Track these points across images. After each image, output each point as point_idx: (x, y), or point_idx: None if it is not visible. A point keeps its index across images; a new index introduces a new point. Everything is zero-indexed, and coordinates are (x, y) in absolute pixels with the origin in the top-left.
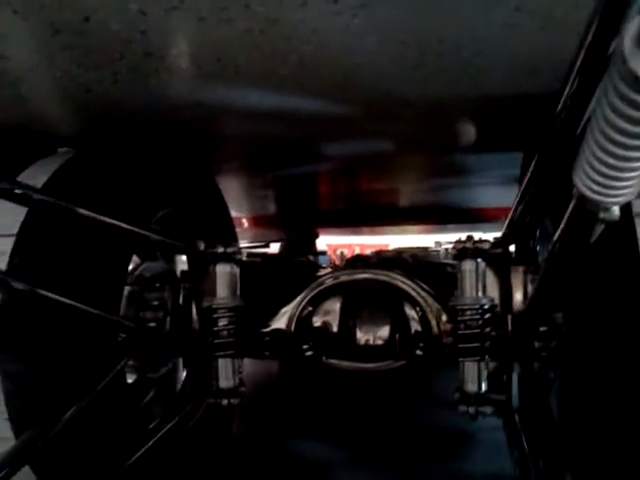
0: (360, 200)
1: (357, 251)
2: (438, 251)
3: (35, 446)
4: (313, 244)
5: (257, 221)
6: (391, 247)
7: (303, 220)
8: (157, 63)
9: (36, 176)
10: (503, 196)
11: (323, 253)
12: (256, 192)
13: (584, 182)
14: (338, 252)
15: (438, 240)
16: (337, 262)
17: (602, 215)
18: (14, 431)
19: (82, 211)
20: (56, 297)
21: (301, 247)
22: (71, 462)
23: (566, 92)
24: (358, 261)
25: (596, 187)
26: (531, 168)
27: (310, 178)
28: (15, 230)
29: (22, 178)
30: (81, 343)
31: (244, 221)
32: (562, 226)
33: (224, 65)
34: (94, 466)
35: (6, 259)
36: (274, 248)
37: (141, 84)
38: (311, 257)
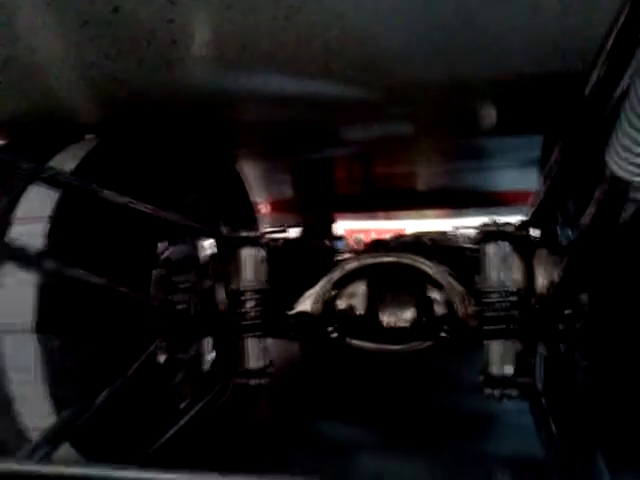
0: (377, 184)
1: (373, 236)
2: (457, 235)
3: (75, 423)
4: (330, 229)
5: (275, 206)
6: (408, 232)
7: (320, 205)
8: (182, 51)
9: (66, 162)
10: (521, 179)
11: (340, 238)
12: (274, 177)
13: (616, 162)
14: (354, 237)
15: (456, 224)
16: (355, 246)
17: (633, 195)
18: (55, 408)
19: (112, 195)
20: (91, 278)
21: (318, 232)
22: (108, 439)
23: (595, 74)
24: (379, 245)
25: (629, 167)
26: (556, 151)
27: (327, 162)
28: (49, 213)
29: (53, 163)
30: (116, 324)
31: (262, 206)
32: (592, 208)
33: (249, 52)
34: (129, 443)
35: (41, 241)
36: (292, 233)
37: (166, 72)
38: (328, 242)
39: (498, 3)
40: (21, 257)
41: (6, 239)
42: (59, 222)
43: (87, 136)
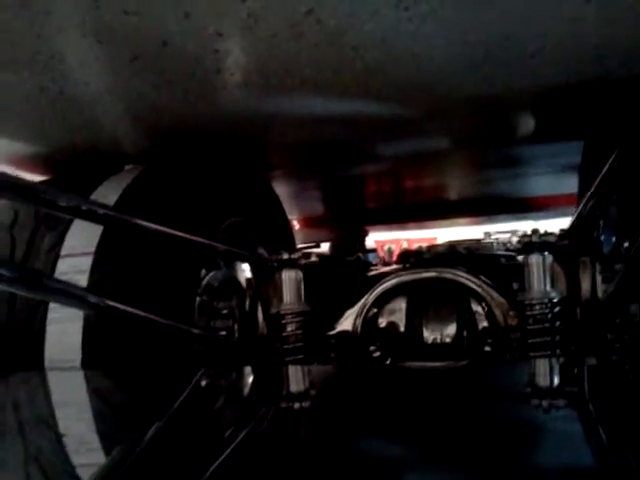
0: (408, 196)
1: (404, 246)
2: (491, 242)
3: (126, 461)
4: (363, 242)
5: (307, 222)
6: (439, 240)
7: (352, 219)
8: (227, 79)
9: (108, 194)
10: (555, 184)
11: (373, 250)
12: (306, 194)
13: None
14: (386, 247)
15: (487, 231)
16: (386, 258)
17: None
18: (102, 444)
19: (154, 226)
20: (137, 311)
21: (351, 246)
22: (159, 475)
23: None
24: (411, 256)
25: None
26: (610, 160)
27: (359, 178)
28: (93, 248)
29: (95, 196)
30: (162, 356)
31: (294, 222)
32: None
33: (291, 77)
34: (180, 476)
35: (87, 277)
36: (324, 248)
37: (209, 100)
38: (361, 255)
39: (536, 18)
40: (68, 293)
41: (54, 275)
42: (103, 256)
43: (127, 167)
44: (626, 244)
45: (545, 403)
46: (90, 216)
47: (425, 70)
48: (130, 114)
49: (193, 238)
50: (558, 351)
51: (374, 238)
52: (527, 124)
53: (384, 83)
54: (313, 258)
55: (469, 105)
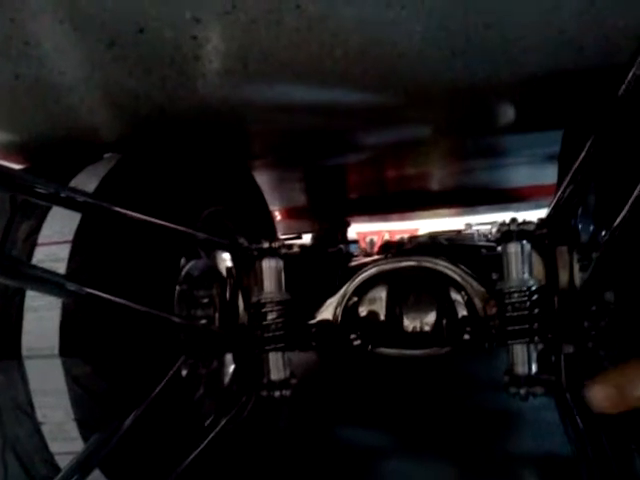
0: (390, 187)
1: (386, 237)
2: (472, 233)
3: (104, 448)
4: (345, 233)
5: (289, 213)
6: (421, 232)
7: (334, 210)
8: (205, 66)
9: (87, 182)
10: (535, 175)
11: (354, 242)
12: (288, 184)
13: None
14: (367, 239)
15: (469, 222)
16: (368, 249)
17: None
18: (81, 432)
19: (133, 214)
20: (116, 299)
21: (333, 237)
22: (138, 461)
23: (633, 70)
24: (392, 247)
25: None
26: (586, 147)
27: (340, 168)
28: (71, 236)
29: (73, 185)
30: (141, 344)
31: (276, 213)
32: (629, 205)
33: (270, 64)
34: (159, 463)
35: (64, 265)
36: (306, 239)
37: (188, 87)
38: (343, 246)
39: (517, 6)
40: (46, 280)
41: (31, 263)
42: (81, 244)
43: (105, 155)
44: (603, 232)
45: (522, 390)
46: (69, 203)
47: (405, 58)
48: (108, 102)
49: (172, 226)
50: (536, 338)
51: (356, 230)
52: (508, 113)
53: (364, 70)
54: (294, 248)
55: (450, 94)
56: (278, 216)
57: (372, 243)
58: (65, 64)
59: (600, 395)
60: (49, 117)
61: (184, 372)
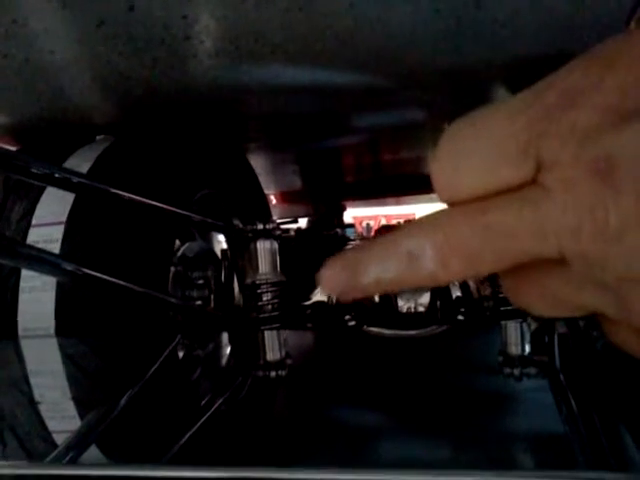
0: (386, 171)
1: (383, 222)
2: None
3: (100, 426)
4: (341, 218)
5: (284, 197)
6: (418, 216)
7: (329, 194)
8: (196, 46)
9: (79, 164)
10: None
11: (350, 226)
12: (283, 168)
13: None
14: (364, 224)
15: None
16: (364, 233)
17: None
18: (77, 411)
19: (127, 195)
20: (113, 279)
21: (329, 221)
22: (134, 439)
23: None
24: (388, 231)
25: None
26: None
27: (336, 151)
28: (64, 218)
29: (67, 166)
30: (137, 324)
31: (271, 197)
32: None
33: (261, 44)
34: (156, 442)
35: (58, 246)
36: (303, 223)
37: (179, 68)
38: (339, 230)
39: None
40: (43, 260)
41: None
42: (75, 225)
43: (98, 137)
44: None
45: (516, 371)
46: (63, 184)
47: (396, 40)
48: (99, 83)
49: (167, 207)
50: (529, 319)
51: (352, 214)
52: (502, 96)
53: (355, 52)
54: (290, 231)
55: (442, 76)
56: (274, 200)
57: (369, 227)
58: (54, 44)
59: (329, 278)
60: (40, 99)
61: (181, 354)
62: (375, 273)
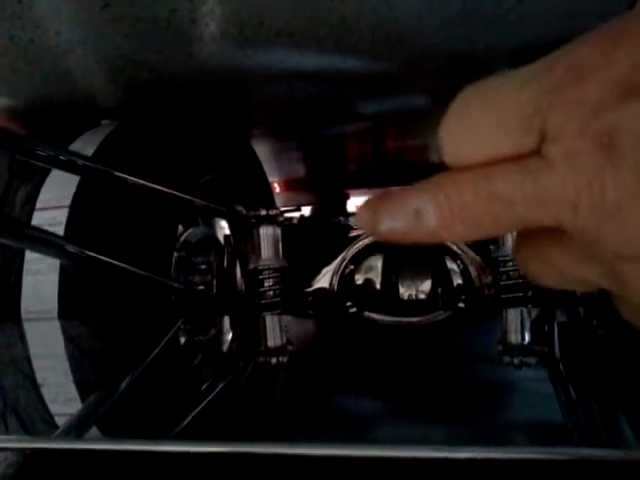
0: (390, 158)
1: None
2: None
3: (101, 408)
4: (344, 206)
5: (288, 185)
6: None
7: (333, 182)
8: (202, 29)
9: (84, 148)
10: None
11: (353, 214)
12: (286, 155)
13: None
14: None
15: None
16: None
17: None
18: (79, 393)
19: (132, 179)
20: (116, 263)
21: (332, 209)
22: (135, 422)
23: None
24: None
25: None
26: None
27: (340, 139)
28: (68, 201)
29: (72, 149)
30: (140, 307)
31: (275, 185)
32: None
33: (266, 29)
34: (156, 425)
35: (62, 229)
36: (306, 211)
37: (185, 52)
38: (342, 219)
39: None
40: (47, 241)
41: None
42: (79, 208)
43: (103, 121)
44: None
45: (516, 360)
46: (68, 166)
47: (401, 25)
48: (104, 66)
49: (170, 192)
50: (529, 306)
51: (356, 204)
52: None
53: (360, 37)
54: (293, 218)
55: (447, 62)
56: (277, 188)
57: None
58: (59, 25)
59: (358, 218)
60: (45, 82)
61: (183, 340)
62: (388, 224)
